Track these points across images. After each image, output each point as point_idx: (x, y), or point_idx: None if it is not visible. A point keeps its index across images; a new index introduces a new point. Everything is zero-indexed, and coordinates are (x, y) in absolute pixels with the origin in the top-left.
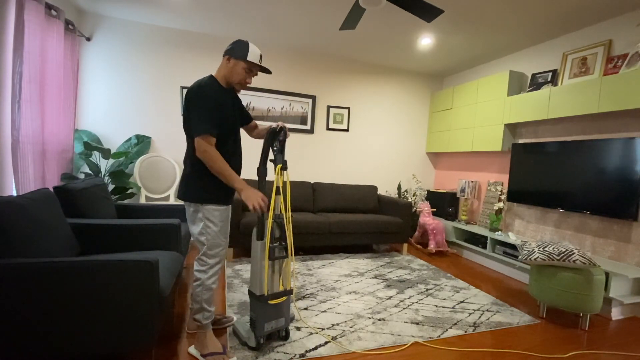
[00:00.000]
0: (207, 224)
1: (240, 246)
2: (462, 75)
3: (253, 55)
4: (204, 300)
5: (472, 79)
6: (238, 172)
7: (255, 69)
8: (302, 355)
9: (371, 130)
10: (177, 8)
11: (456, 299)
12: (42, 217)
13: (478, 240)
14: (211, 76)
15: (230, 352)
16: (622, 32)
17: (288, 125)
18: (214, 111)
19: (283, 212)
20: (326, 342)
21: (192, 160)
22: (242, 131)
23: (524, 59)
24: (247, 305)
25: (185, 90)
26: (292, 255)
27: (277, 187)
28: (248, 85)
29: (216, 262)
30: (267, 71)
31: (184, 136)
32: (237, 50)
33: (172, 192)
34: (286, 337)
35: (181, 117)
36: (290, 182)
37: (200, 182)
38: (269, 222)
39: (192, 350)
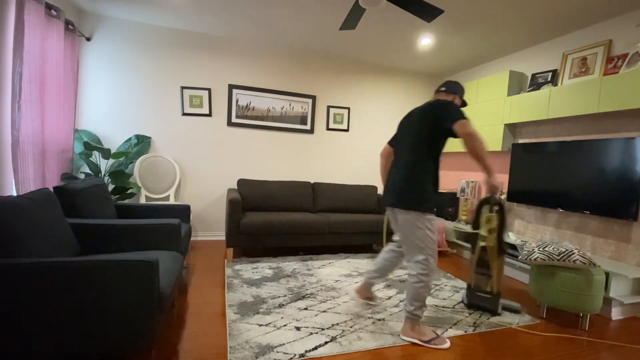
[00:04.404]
0: (427, 232)
1: (240, 246)
2: (462, 75)
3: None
4: (425, 298)
5: (472, 79)
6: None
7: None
8: (302, 355)
9: (371, 130)
10: (177, 8)
11: (456, 299)
12: (42, 217)
13: None
14: None
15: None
16: (622, 32)
17: (288, 125)
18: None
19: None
20: (326, 342)
21: (414, 169)
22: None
23: (524, 59)
24: (247, 305)
25: (183, 90)
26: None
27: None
28: None
29: (435, 264)
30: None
31: (184, 136)
32: (461, 92)
33: (172, 192)
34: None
35: (181, 117)
36: (290, 182)
37: (423, 193)
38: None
39: (408, 338)
